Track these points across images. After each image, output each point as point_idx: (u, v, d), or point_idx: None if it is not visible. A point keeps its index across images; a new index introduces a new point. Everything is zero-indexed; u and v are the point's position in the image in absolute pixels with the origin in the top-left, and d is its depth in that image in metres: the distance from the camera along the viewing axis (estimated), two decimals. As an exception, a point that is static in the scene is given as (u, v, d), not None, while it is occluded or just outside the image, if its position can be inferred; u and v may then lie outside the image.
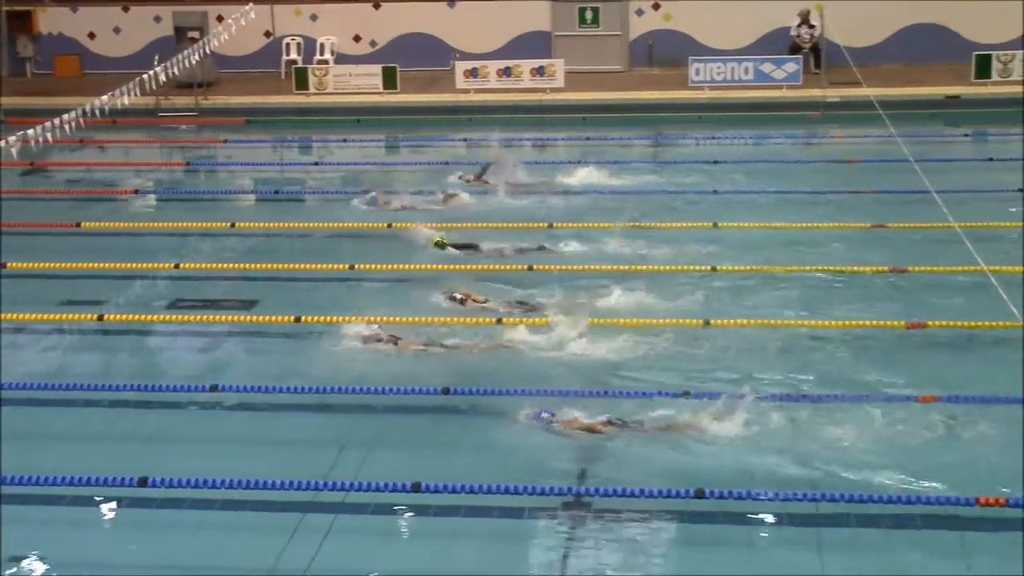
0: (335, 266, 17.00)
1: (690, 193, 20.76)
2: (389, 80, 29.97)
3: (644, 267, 16.62)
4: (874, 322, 14.34)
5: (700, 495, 10.41)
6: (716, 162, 22.85)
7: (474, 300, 15.29)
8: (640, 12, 32.30)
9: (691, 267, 16.53)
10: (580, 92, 29.35)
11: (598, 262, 16.87)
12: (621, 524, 10.27)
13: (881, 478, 10.79)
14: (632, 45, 32.37)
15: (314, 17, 33.21)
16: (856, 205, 19.63)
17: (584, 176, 21.89)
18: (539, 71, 29.81)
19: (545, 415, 11.96)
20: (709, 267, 16.49)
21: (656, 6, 32.27)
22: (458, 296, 15.30)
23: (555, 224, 18.73)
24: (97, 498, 10.80)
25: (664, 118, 27.55)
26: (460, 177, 21.75)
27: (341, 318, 14.68)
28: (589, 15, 32.11)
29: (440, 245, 17.82)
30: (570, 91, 29.43)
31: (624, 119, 27.69)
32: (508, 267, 16.73)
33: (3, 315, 14.98)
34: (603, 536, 10.15)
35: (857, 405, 12.14)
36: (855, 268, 16.35)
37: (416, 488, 10.63)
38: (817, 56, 29.87)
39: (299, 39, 32.85)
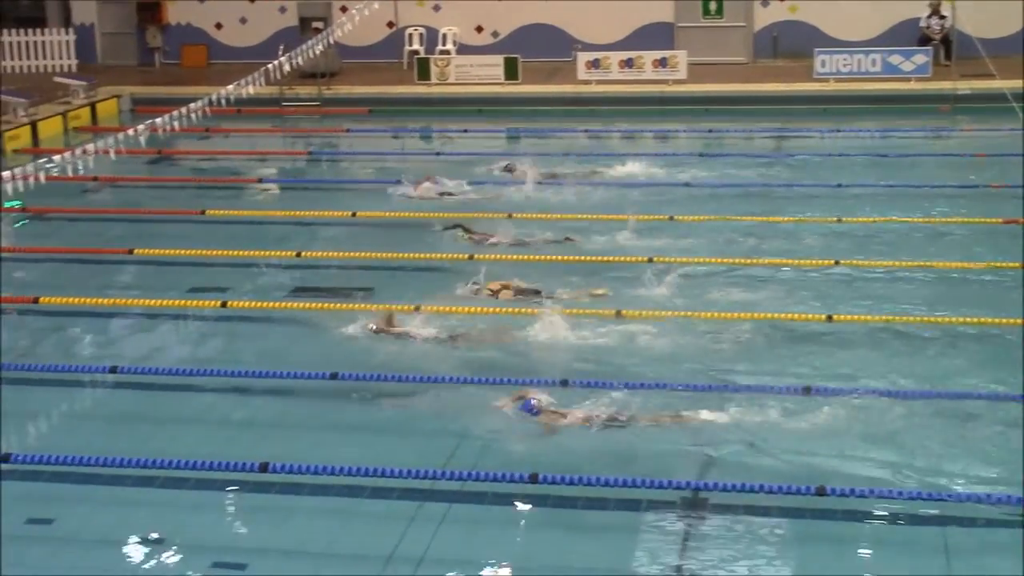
0: (456, 256, 17.04)
1: (813, 187, 20.49)
2: (511, 71, 30.01)
3: (764, 260, 16.46)
4: (1006, 320, 14.02)
5: (821, 492, 10.26)
6: (841, 155, 22.52)
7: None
8: (765, 3, 31.97)
9: (813, 261, 16.32)
10: (703, 84, 29.12)
11: (719, 255, 16.73)
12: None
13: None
14: (756, 36, 32.05)
15: (437, 8, 33.38)
16: (987, 200, 19.21)
17: (704, 168, 21.72)
18: (661, 62, 29.62)
19: (534, 401, 11.94)
20: (832, 261, 16.26)
21: (782, -3, 31.93)
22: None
23: (675, 217, 18.59)
24: (219, 482, 10.97)
25: (788, 110, 27.22)
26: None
27: (461, 308, 14.74)
28: (713, 6, 31.85)
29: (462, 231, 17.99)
30: (692, 83, 29.22)
31: (747, 111, 27.42)
32: (628, 259, 16.65)
33: (130, 300, 15.27)
34: (722, 532, 10.07)
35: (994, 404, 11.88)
36: (985, 264, 16.01)
37: (533, 479, 10.62)
38: (948, 47, 29.31)
39: (422, 29, 33.05)
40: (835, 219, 18.29)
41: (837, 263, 16.18)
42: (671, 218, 18.53)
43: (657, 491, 10.50)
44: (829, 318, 14.20)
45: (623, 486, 10.49)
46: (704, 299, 14.97)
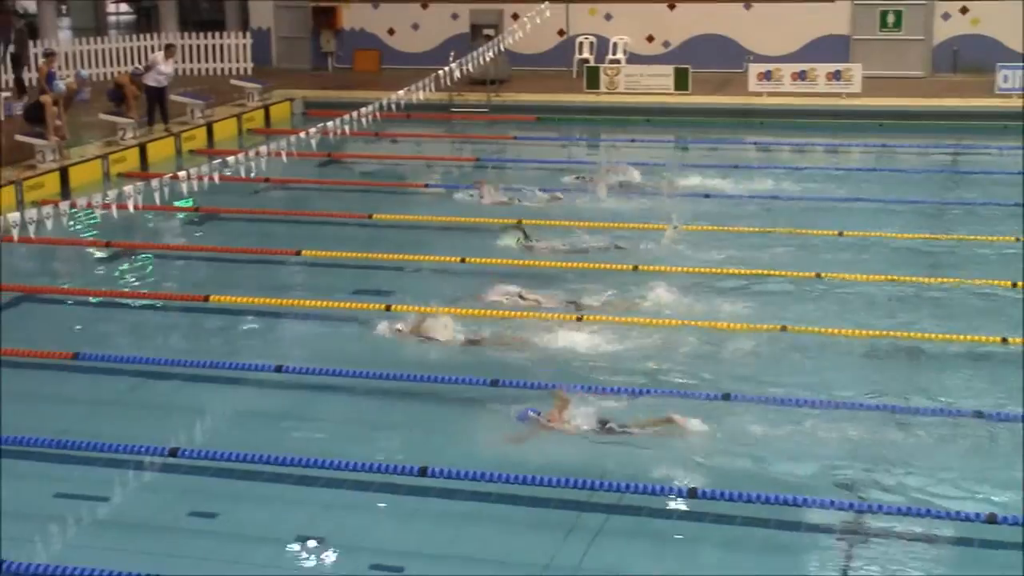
0: (618, 266, 17.00)
1: (991, 205, 19.95)
2: (681, 81, 29.86)
3: (938, 280, 16.14)
4: None
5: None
6: (1021, 173, 21.90)
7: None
8: (946, 16, 31.26)
9: (994, 281, 15.90)
10: (878, 98, 28.58)
11: (892, 271, 16.42)
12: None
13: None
14: (936, 50, 31.36)
15: (608, 16, 33.38)
16: None
17: (875, 184, 21.32)
18: (836, 75, 29.18)
19: (531, 414, 11.99)
20: (1009, 282, 15.82)
21: (964, 10, 31.17)
22: None
23: (844, 232, 18.31)
24: (378, 484, 11.09)
25: (967, 126, 26.57)
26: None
27: (624, 319, 14.71)
28: (892, 19, 31.27)
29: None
30: (867, 96, 28.70)
31: (924, 126, 26.84)
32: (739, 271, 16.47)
33: (296, 301, 15.55)
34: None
35: None
36: None
37: (692, 494, 10.52)
38: None
39: (592, 38, 33.08)
40: (1014, 238, 17.80)
41: (1013, 285, 15.74)
42: (840, 233, 18.24)
43: (816, 510, 10.32)
44: (1003, 340, 13.81)
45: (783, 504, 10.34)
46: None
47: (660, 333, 14.29)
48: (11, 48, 28.89)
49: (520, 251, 18.07)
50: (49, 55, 26.46)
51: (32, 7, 41.50)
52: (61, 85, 24.23)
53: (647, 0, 33.28)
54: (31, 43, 31.72)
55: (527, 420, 12.03)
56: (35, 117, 23.46)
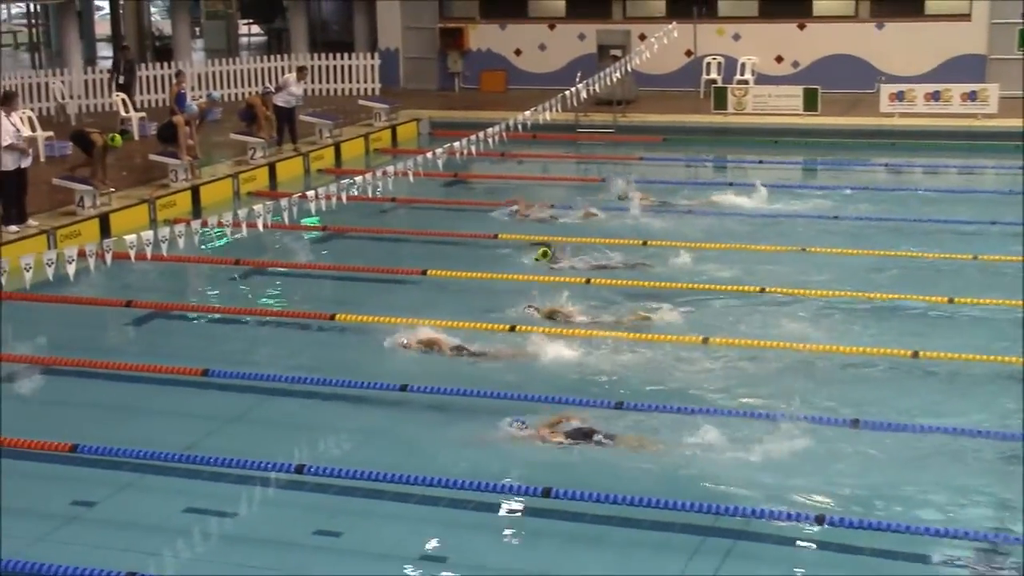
0: (744, 288, 16.87)
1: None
2: (810, 102, 29.56)
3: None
4: None
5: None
6: None
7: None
8: (1091, 35, 30.56)
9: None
10: (1015, 119, 27.95)
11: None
12: None
13: None
14: (1079, 70, 30.65)
15: (736, 37, 33.19)
16: None
17: (1011, 207, 20.87)
18: (971, 96, 28.67)
19: (516, 423, 12.23)
20: None
21: (1106, 29, 30.47)
22: None
23: (979, 256, 17.99)
24: (502, 506, 11.10)
25: (1108, 149, 25.90)
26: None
27: (754, 341, 14.59)
28: (1030, 38, 30.63)
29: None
30: (1004, 117, 28.12)
31: (1061, 148, 26.23)
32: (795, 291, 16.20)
33: (421, 320, 15.63)
34: None
35: None
36: None
37: (820, 520, 10.37)
38: None
39: (720, 59, 32.91)
40: None
41: None
42: (973, 257, 17.93)
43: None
44: None
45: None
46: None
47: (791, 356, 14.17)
48: (120, 78, 29.61)
49: (545, 268, 18.23)
50: (179, 76, 27.02)
51: (167, 29, 42.57)
52: (193, 106, 24.73)
53: (776, 20, 33.05)
54: (164, 64, 32.47)
55: (513, 428, 12.28)
56: (168, 137, 23.98)
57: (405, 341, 14.96)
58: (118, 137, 22.10)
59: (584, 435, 12.14)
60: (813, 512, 10.54)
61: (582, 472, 11.52)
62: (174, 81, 26.89)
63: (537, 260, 18.49)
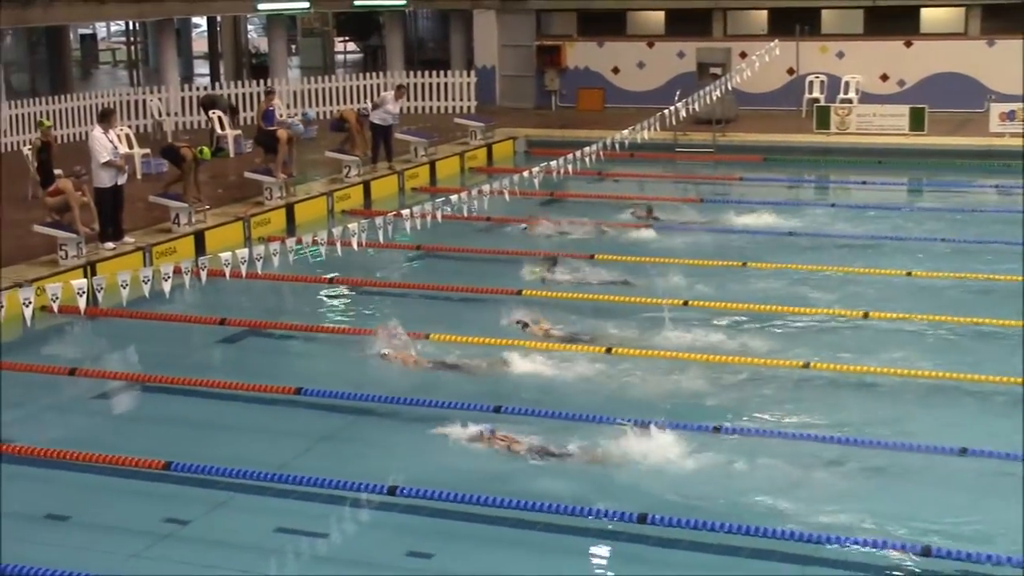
0: (844, 312, 16.72)
1: None
2: (916, 121, 29.23)
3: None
4: None
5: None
6: None
7: None
8: None
9: None
10: None
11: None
12: None
13: None
14: None
15: (840, 55, 32.95)
16: None
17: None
18: (1085, 115, 28.14)
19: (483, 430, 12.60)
20: None
21: None
22: None
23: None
24: (595, 530, 11.08)
25: None
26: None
27: (860, 367, 14.45)
28: None
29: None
30: (1120, 137, 27.59)
31: None
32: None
33: (517, 341, 15.64)
34: None
35: None
36: None
37: (926, 552, 10.22)
38: None
39: (823, 77, 32.68)
40: None
41: None
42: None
43: None
44: None
45: None
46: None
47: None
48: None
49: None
50: (269, 93, 27.38)
51: (264, 46, 43.18)
52: (300, 126, 24.94)
53: (882, 37, 32.76)
54: (260, 82, 32.95)
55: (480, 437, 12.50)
56: (267, 145, 24.21)
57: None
58: (207, 149, 22.46)
59: None
60: (919, 544, 10.40)
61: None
62: (263, 98, 27.23)
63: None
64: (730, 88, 27.80)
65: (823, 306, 17.08)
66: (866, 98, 31.87)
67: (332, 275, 19.16)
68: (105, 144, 19.79)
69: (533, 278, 18.86)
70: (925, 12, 32.87)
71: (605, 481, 11.91)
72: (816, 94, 32.42)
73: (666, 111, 24.62)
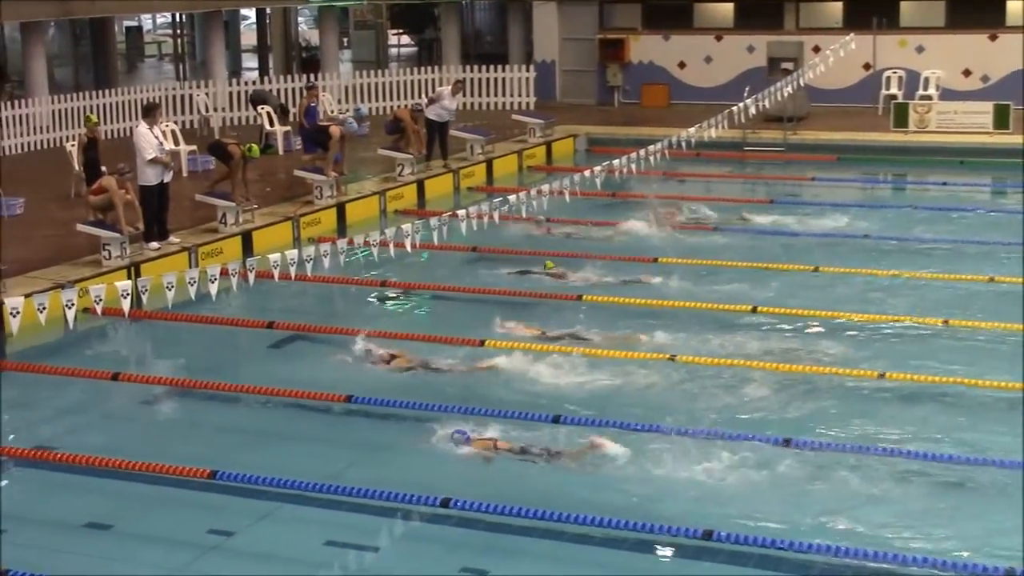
0: (922, 319, 16.60)
1: None
2: (1001, 119, 28.95)
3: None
4: None
5: None
6: None
7: None
8: None
9: None
10: None
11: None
12: None
13: None
14: None
15: (920, 49, 32.70)
16: None
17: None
18: None
19: (457, 435, 12.84)
20: None
21: None
22: None
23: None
24: (658, 546, 11.06)
25: None
26: None
27: (938, 378, 14.33)
28: None
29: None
30: None
31: None
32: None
33: (573, 349, 15.65)
34: None
35: None
36: None
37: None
38: None
39: (901, 72, 32.46)
40: None
41: None
42: None
43: None
44: None
45: None
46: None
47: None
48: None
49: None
50: (310, 88, 27.53)
51: (315, 39, 43.44)
52: (354, 123, 25.02)
53: (965, 30, 32.46)
54: (308, 76, 33.13)
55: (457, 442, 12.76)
56: (319, 141, 24.33)
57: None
58: (255, 147, 22.51)
59: None
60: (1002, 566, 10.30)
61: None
62: (304, 94, 27.39)
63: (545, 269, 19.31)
64: (802, 84, 27.68)
65: (900, 313, 16.97)
66: (947, 94, 31.58)
67: (384, 278, 19.22)
68: (151, 140, 19.97)
69: (545, 270, 19.18)
70: (1011, 4, 32.53)
71: (669, 495, 11.89)
72: (894, 90, 32.18)
73: (734, 108, 24.54)
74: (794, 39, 33.49)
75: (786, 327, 16.68)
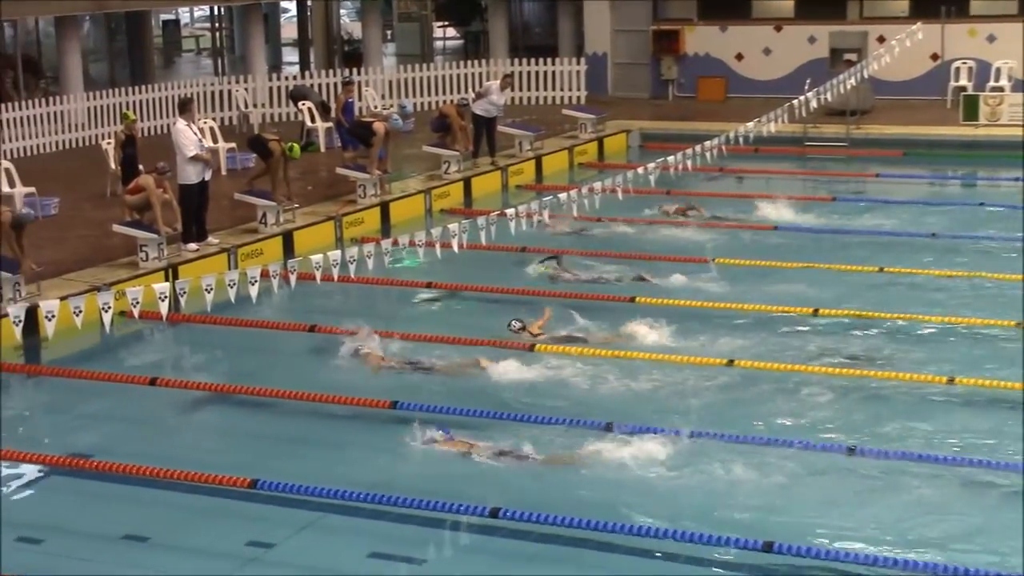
0: (993, 321, 16.49)
1: None
2: (1076, 112, 28.70)
3: None
4: None
5: None
6: None
7: None
8: None
9: None
10: None
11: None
12: None
13: None
14: None
15: (991, 38, 32.45)
16: None
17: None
18: None
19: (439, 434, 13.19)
20: None
21: None
22: None
23: None
24: (712, 558, 11.04)
25: None
26: None
27: (1012, 384, 14.25)
28: None
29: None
30: None
31: None
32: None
33: (631, 354, 15.64)
34: None
35: None
36: None
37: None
38: None
39: (971, 63, 32.22)
40: None
41: None
42: None
43: None
44: None
45: None
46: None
47: None
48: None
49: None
50: (347, 83, 27.61)
51: (357, 32, 43.62)
52: (399, 120, 25.08)
53: (1039, 17, 32.20)
54: (350, 70, 33.22)
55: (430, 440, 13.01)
56: (361, 137, 24.39)
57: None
58: (296, 147, 22.47)
59: None
60: None
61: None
62: (341, 90, 27.43)
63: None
64: (866, 76, 27.55)
65: (969, 315, 16.84)
66: (1019, 86, 31.34)
67: (430, 279, 19.24)
68: (191, 136, 20.08)
69: (539, 274, 19.34)
70: (1088, -10, 32.32)
71: (728, 504, 11.87)
72: (963, 82, 31.95)
73: (795, 102, 24.48)
74: (858, 29, 33.30)
75: (849, 330, 16.61)
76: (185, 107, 20.85)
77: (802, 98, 24.76)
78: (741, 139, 23.29)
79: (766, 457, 12.61)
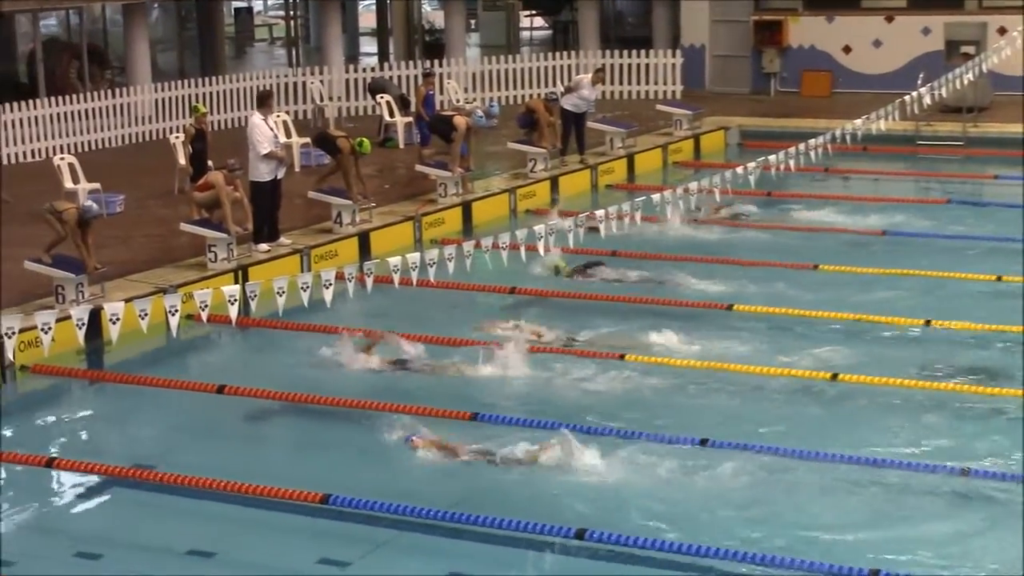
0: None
1: None
2: None
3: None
4: None
5: None
6: None
7: None
8: None
9: None
10: None
11: None
12: None
13: None
14: None
15: (1122, 28, 31.97)
16: None
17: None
18: None
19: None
20: None
21: None
22: None
23: None
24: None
25: None
26: None
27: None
28: None
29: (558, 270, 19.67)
30: None
31: None
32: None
33: (723, 365, 15.59)
34: None
35: None
36: None
37: None
38: None
39: (1100, 56, 31.75)
40: None
41: None
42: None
43: None
44: None
45: None
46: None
47: None
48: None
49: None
50: (427, 75, 27.69)
51: (439, 22, 43.75)
52: (483, 118, 25.11)
53: None
54: (432, 62, 33.30)
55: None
56: (441, 132, 24.43)
57: None
58: (367, 142, 22.37)
59: None
60: None
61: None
62: (420, 82, 27.49)
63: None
64: (985, 70, 27.23)
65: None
66: None
67: (514, 284, 19.25)
68: (266, 132, 20.17)
69: (549, 272, 19.56)
70: None
71: (830, 527, 11.80)
72: (1091, 76, 31.57)
73: (907, 97, 24.22)
74: (976, 19, 32.99)
75: (963, 343, 16.44)
76: (263, 101, 20.94)
77: (915, 94, 24.49)
78: (848, 137, 23.06)
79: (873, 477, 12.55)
